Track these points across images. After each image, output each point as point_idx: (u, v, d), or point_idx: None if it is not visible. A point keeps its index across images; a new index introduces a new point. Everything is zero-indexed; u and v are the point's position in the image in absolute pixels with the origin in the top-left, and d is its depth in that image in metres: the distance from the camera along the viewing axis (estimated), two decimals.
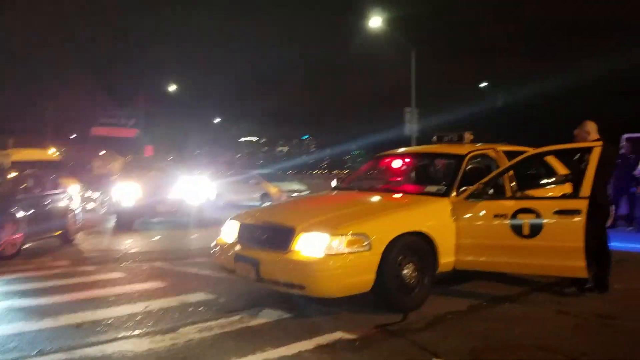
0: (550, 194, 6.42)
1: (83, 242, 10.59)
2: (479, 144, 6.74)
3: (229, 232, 5.61)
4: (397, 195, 6.16)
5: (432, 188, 6.00)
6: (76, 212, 10.92)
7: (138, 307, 5.26)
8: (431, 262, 5.21)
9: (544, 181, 7.00)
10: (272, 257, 4.87)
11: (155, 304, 5.36)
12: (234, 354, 3.94)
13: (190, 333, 4.41)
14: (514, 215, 5.25)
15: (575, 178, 6.00)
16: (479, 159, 6.45)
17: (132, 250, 9.41)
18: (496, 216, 5.36)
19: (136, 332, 4.47)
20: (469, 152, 6.12)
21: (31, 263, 8.00)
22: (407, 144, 22.13)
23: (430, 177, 6.70)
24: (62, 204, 10.35)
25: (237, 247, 5.34)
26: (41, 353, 4.00)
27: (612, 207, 8.37)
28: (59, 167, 16.38)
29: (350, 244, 4.65)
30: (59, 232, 10.05)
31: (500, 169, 5.88)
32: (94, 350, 4.04)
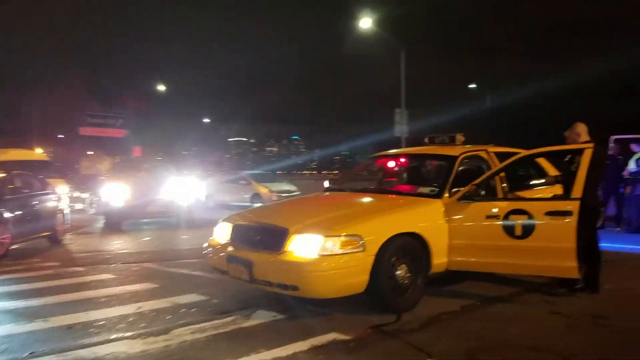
0: (539, 196, 6.47)
1: (72, 243, 10.52)
2: (468, 145, 6.76)
3: (222, 233, 5.58)
4: (390, 197, 6.17)
5: (425, 189, 6.02)
6: (65, 212, 10.84)
7: (130, 309, 5.22)
8: (424, 263, 5.22)
9: (534, 182, 7.06)
10: (265, 258, 4.85)
11: (147, 305, 5.33)
12: (227, 356, 3.92)
13: (184, 334, 4.39)
14: (506, 216, 5.27)
15: (565, 179, 6.05)
16: (470, 160, 6.47)
17: (122, 251, 9.35)
18: (488, 217, 5.38)
19: (129, 333, 4.44)
20: (461, 154, 6.14)
21: (20, 264, 7.92)
22: (397, 145, 22.20)
23: (423, 178, 6.72)
24: (50, 204, 10.26)
25: (230, 248, 5.31)
26: (33, 355, 3.96)
27: (602, 208, 8.47)
28: (47, 167, 16.22)
29: (344, 245, 4.64)
30: (48, 232, 9.96)
31: (493, 171, 5.91)
32: (86, 352, 4.00)
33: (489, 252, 5.38)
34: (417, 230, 5.17)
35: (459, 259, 5.45)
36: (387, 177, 7.35)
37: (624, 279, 6.38)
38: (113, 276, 6.94)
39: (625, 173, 10.80)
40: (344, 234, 4.69)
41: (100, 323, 4.73)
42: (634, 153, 10.89)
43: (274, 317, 4.89)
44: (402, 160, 7.27)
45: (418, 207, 5.58)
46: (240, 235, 5.34)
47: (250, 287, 5.39)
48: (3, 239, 8.31)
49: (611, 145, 12.04)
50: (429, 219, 5.43)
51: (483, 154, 6.44)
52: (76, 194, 17.80)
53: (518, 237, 5.20)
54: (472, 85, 36.36)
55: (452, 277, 5.94)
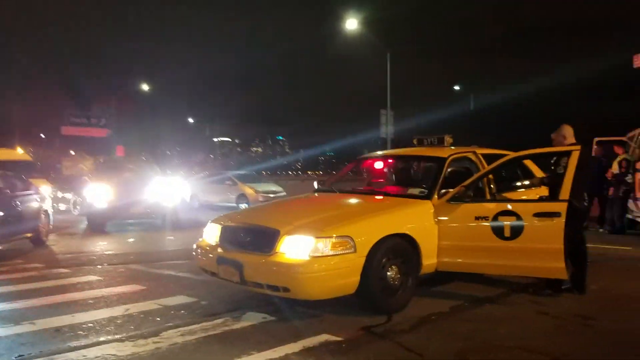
0: (525, 197, 6.53)
1: (56, 244, 10.38)
2: (455, 147, 6.80)
3: (211, 234, 5.55)
4: (380, 198, 6.18)
5: (415, 190, 6.04)
6: (48, 213, 10.69)
7: (118, 311, 5.16)
8: (414, 264, 5.24)
9: (520, 184, 7.14)
10: (256, 260, 4.83)
11: (136, 308, 5.27)
12: (219, 358, 3.91)
13: (174, 337, 4.34)
14: (495, 218, 5.31)
15: (551, 181, 6.11)
16: (459, 162, 6.51)
17: (107, 253, 9.24)
18: (478, 218, 5.42)
19: (117, 336, 4.39)
20: (450, 155, 6.18)
21: (3, 265, 7.79)
22: (382, 145, 22.29)
23: (411, 180, 6.75)
24: (33, 204, 10.09)
25: (220, 250, 5.28)
26: (21, 358, 3.90)
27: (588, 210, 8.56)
28: (30, 167, 15.98)
29: (335, 246, 4.64)
30: (31, 234, 9.81)
31: (482, 172, 5.95)
32: (75, 354, 3.95)
33: (478, 253, 5.41)
34: (407, 232, 5.19)
35: (449, 259, 5.48)
36: (376, 178, 7.37)
37: (609, 279, 6.47)
38: (99, 278, 6.86)
39: (608, 175, 10.97)
40: (335, 235, 4.69)
41: (88, 325, 4.67)
42: (617, 155, 11.07)
43: (264, 318, 4.86)
44: (391, 161, 7.28)
45: (408, 208, 5.59)
46: (229, 236, 5.31)
47: (239, 288, 5.37)
48: None
49: (594, 147, 12.20)
50: (419, 220, 5.45)
51: (471, 156, 6.48)
52: (59, 194, 17.59)
53: (507, 238, 5.24)
54: (457, 87, 36.62)
55: (440, 278, 5.97)
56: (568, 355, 3.89)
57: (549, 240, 5.12)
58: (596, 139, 12.79)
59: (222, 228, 5.42)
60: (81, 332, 4.48)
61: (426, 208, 5.55)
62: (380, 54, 23.09)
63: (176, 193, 14.41)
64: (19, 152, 25.11)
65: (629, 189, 10.56)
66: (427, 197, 5.69)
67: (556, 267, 5.12)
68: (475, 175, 5.88)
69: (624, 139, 12.06)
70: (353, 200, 6.15)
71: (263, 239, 4.92)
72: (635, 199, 10.51)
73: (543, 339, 4.28)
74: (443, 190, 5.75)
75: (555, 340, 4.26)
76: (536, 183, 6.80)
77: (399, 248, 5.11)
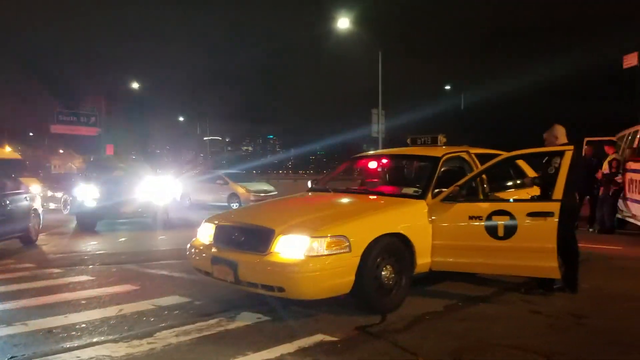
0: (516, 197, 6.56)
1: (46, 243, 10.30)
2: (447, 146, 6.82)
3: (205, 233, 5.53)
4: (375, 197, 6.19)
5: (409, 190, 6.05)
6: (39, 212, 10.60)
7: (111, 311, 5.13)
8: (409, 264, 5.25)
9: (511, 183, 7.17)
10: (250, 259, 4.81)
11: (129, 308, 5.24)
12: (214, 358, 3.89)
13: (168, 337, 4.32)
14: (489, 217, 5.33)
15: (543, 181, 6.15)
16: (452, 161, 6.53)
17: (99, 252, 9.18)
18: (471, 218, 5.44)
19: (111, 336, 4.36)
20: (444, 155, 6.20)
21: None
22: (374, 144, 22.31)
23: (405, 179, 6.76)
24: (24, 204, 10.00)
25: (214, 250, 5.26)
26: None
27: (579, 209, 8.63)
28: (20, 166, 15.82)
29: (330, 246, 4.64)
30: (21, 233, 9.72)
31: (476, 172, 5.98)
32: (69, 355, 3.92)
33: (472, 252, 5.43)
34: (401, 231, 5.20)
35: (442, 259, 5.50)
36: (370, 177, 7.39)
37: (600, 278, 6.52)
38: (91, 278, 6.81)
39: (598, 175, 11.05)
40: (330, 234, 4.69)
41: (82, 326, 4.64)
42: (607, 155, 11.16)
43: (258, 318, 4.85)
44: (385, 161, 7.29)
45: (402, 207, 5.60)
46: (224, 236, 5.29)
47: (233, 288, 5.35)
48: None
49: (584, 147, 12.29)
50: (413, 219, 5.46)
51: (465, 155, 6.51)
52: (49, 193, 17.46)
53: (500, 238, 5.27)
54: (447, 87, 36.76)
55: (433, 277, 5.99)
56: (563, 354, 3.91)
57: (542, 239, 5.15)
58: (586, 139, 12.89)
59: (216, 227, 5.40)
60: (74, 333, 4.45)
61: (420, 207, 5.56)
62: (372, 53, 23.12)
63: (167, 192, 14.35)
64: (8, 150, 24.89)
65: (619, 188, 10.65)
66: (421, 196, 5.70)
67: (549, 266, 5.15)
68: (469, 175, 5.90)
69: (613, 139, 12.17)
70: (347, 200, 6.15)
71: (258, 239, 4.91)
72: (625, 199, 10.60)
73: (537, 337, 4.31)
74: (436, 190, 5.77)
75: (549, 339, 4.28)
76: (528, 183, 6.84)
77: (393, 247, 5.11)
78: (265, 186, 20.70)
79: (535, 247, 5.18)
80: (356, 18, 21.73)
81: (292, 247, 4.66)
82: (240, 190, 19.30)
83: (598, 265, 7.35)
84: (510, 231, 5.24)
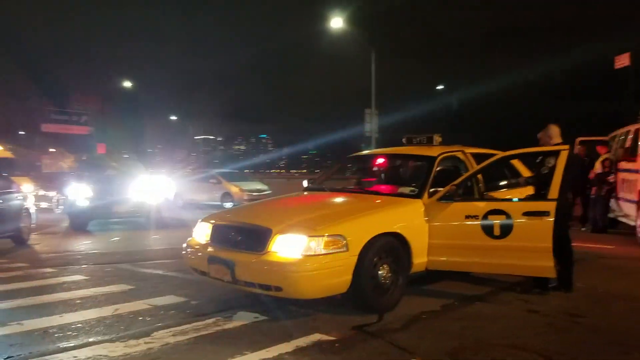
0: (509, 196, 6.58)
1: (39, 243, 10.23)
2: (442, 146, 6.83)
3: (201, 233, 5.50)
4: (371, 197, 6.19)
5: (406, 189, 6.06)
6: (31, 211, 10.52)
7: (107, 311, 5.09)
8: (405, 263, 5.26)
9: (506, 183, 7.19)
10: (248, 259, 4.80)
11: (125, 307, 5.21)
12: (212, 358, 3.87)
13: (165, 337, 4.30)
14: (485, 217, 5.35)
15: (537, 181, 6.18)
16: (448, 161, 6.54)
17: (93, 252, 9.14)
18: (468, 217, 5.45)
19: (108, 336, 4.33)
20: (440, 154, 6.22)
21: None
22: (366, 144, 22.33)
23: (401, 178, 6.77)
24: (15, 203, 9.93)
25: (210, 249, 5.24)
26: None
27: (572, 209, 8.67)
28: (12, 164, 15.72)
29: (327, 245, 4.63)
30: (13, 232, 9.65)
31: (472, 171, 5.99)
32: (66, 355, 3.89)
33: (468, 251, 5.45)
34: (398, 230, 5.20)
35: (439, 258, 5.51)
36: (366, 177, 7.39)
37: (594, 277, 6.56)
38: (86, 277, 6.77)
39: (591, 175, 11.12)
40: (328, 234, 4.68)
41: (78, 326, 4.61)
42: (599, 155, 11.23)
43: (255, 318, 4.84)
44: (381, 160, 7.30)
45: (399, 207, 5.61)
46: (220, 235, 5.27)
47: (228, 288, 5.34)
48: None
49: (577, 147, 12.36)
50: (409, 219, 5.47)
51: (460, 155, 6.53)
52: (41, 192, 17.33)
53: (497, 237, 5.29)
54: (440, 87, 36.87)
55: (429, 276, 5.99)
56: (563, 353, 3.92)
57: (538, 239, 5.18)
58: (579, 139, 12.96)
59: (212, 227, 5.38)
60: (70, 333, 4.42)
61: (417, 207, 5.57)
62: (365, 53, 23.13)
63: (160, 191, 14.28)
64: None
65: (612, 188, 10.73)
66: (418, 196, 5.71)
67: (545, 265, 5.18)
68: (465, 175, 5.92)
69: (605, 139, 12.24)
70: (344, 199, 6.14)
71: (255, 238, 4.89)
72: (617, 198, 10.68)
73: (536, 337, 4.32)
74: (432, 189, 5.79)
75: (546, 338, 4.30)
76: (522, 182, 6.87)
77: (390, 247, 5.12)
78: (259, 185, 20.67)
79: (531, 247, 5.20)
80: (350, 18, 21.75)
81: (289, 247, 4.66)
82: (233, 189, 19.27)
83: (591, 265, 7.40)
84: (506, 230, 5.26)
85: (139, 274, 7.04)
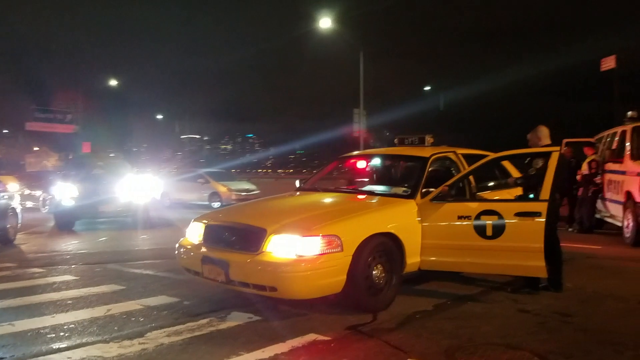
0: (497, 197, 6.64)
1: (26, 243, 10.12)
2: (431, 147, 6.87)
3: (194, 233, 5.48)
4: (364, 197, 6.20)
5: (398, 190, 6.09)
6: (17, 211, 10.39)
7: (99, 311, 5.06)
8: (399, 263, 5.28)
9: (495, 184, 7.25)
10: (242, 259, 4.79)
11: (117, 308, 5.18)
12: (208, 359, 3.86)
13: (159, 337, 4.28)
14: (477, 217, 5.39)
15: (524, 182, 6.24)
16: (439, 162, 6.58)
17: (81, 252, 9.05)
18: (461, 217, 5.49)
19: (101, 337, 4.29)
20: (432, 155, 6.25)
21: None
22: (355, 144, 22.38)
23: (393, 179, 6.80)
24: (1, 202, 9.81)
25: (203, 249, 5.22)
26: None
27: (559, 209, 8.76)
28: None
29: (322, 245, 4.64)
30: None
31: (464, 172, 6.04)
32: (60, 356, 3.86)
33: (461, 251, 5.49)
34: (392, 231, 5.22)
35: (432, 258, 5.54)
36: (358, 177, 7.41)
37: (583, 277, 6.63)
38: (75, 277, 6.70)
39: (578, 177, 11.25)
40: (322, 234, 4.69)
41: (70, 327, 4.57)
42: (586, 156, 11.36)
43: (249, 318, 4.83)
44: (374, 160, 7.32)
45: (393, 207, 5.64)
46: (214, 235, 5.26)
47: (220, 288, 5.34)
48: None
49: (563, 148, 12.49)
50: (403, 219, 5.49)
51: (452, 156, 6.57)
52: (27, 191, 17.12)
53: (489, 237, 5.33)
54: (427, 88, 37.07)
55: (420, 276, 6.02)
56: (554, 352, 3.96)
57: (529, 239, 5.22)
58: (565, 140, 13.09)
59: (206, 227, 5.36)
60: (63, 334, 4.38)
61: (410, 207, 5.60)
62: (353, 54, 23.18)
63: (147, 191, 14.17)
64: None
65: (598, 189, 10.86)
66: (411, 196, 5.74)
67: (536, 265, 5.23)
68: (458, 175, 5.96)
69: (592, 140, 12.39)
70: (338, 200, 6.15)
71: (249, 238, 4.89)
72: (603, 199, 10.82)
73: (527, 336, 4.36)
74: (424, 190, 5.82)
75: (538, 337, 4.34)
76: (511, 183, 6.92)
77: (384, 247, 5.14)
78: (247, 185, 20.62)
79: (523, 247, 5.25)
80: (339, 18, 21.78)
81: (284, 247, 4.65)
82: (221, 189, 19.20)
83: (580, 265, 7.48)
84: (498, 231, 5.30)
85: (129, 274, 6.99)
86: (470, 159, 6.58)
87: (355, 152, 7.62)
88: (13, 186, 12.88)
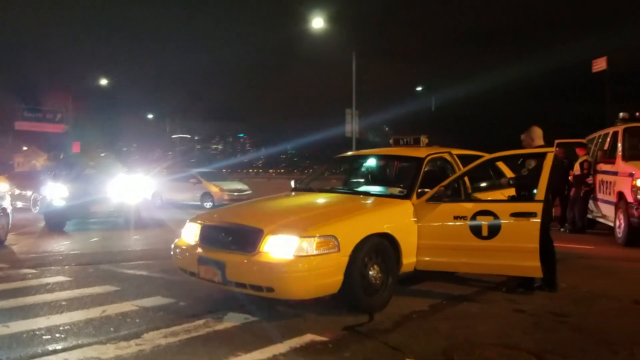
0: (490, 197, 6.67)
1: (16, 243, 10.02)
2: (426, 147, 6.89)
3: (189, 234, 5.46)
4: (360, 197, 6.20)
5: (394, 190, 6.10)
6: (7, 211, 10.29)
7: (94, 312, 5.01)
8: (395, 263, 5.28)
9: (489, 184, 7.28)
10: (239, 260, 4.77)
11: (112, 309, 5.14)
12: (205, 359, 3.84)
13: (156, 338, 4.25)
14: (473, 217, 5.40)
15: (517, 182, 6.28)
16: (434, 162, 6.60)
17: (73, 252, 8.97)
18: (456, 218, 5.50)
19: (98, 338, 4.26)
20: (428, 155, 6.26)
21: None
22: (347, 144, 22.39)
23: (388, 179, 6.81)
24: None
25: (199, 250, 5.20)
26: None
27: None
28: None
29: (319, 245, 4.63)
30: None
31: (460, 172, 6.06)
32: (56, 358, 3.82)
33: (457, 252, 5.50)
34: (388, 231, 5.23)
35: (428, 258, 5.55)
36: (353, 177, 7.40)
37: (576, 277, 6.67)
38: (69, 278, 6.65)
39: (570, 178, 11.33)
40: (319, 234, 4.68)
41: (65, 328, 4.52)
42: (578, 157, 11.45)
43: (246, 319, 4.81)
44: (369, 160, 7.32)
45: (389, 207, 5.64)
46: (210, 235, 5.23)
47: (216, 289, 5.33)
48: None
49: (555, 148, 12.55)
50: (399, 219, 5.50)
51: (447, 156, 6.59)
52: (17, 191, 16.97)
53: (485, 238, 5.35)
54: (419, 88, 37.19)
55: (414, 277, 6.02)
56: (551, 352, 3.98)
57: (525, 239, 5.25)
58: (557, 141, 13.17)
59: (202, 227, 5.34)
60: (59, 335, 4.34)
61: (406, 207, 5.61)
62: (346, 54, 23.18)
63: (139, 191, 14.09)
64: None
65: (590, 189, 10.94)
66: (407, 196, 5.75)
67: (532, 265, 5.26)
68: (454, 176, 5.98)
69: (583, 141, 12.47)
70: (334, 200, 6.15)
71: (246, 239, 4.87)
72: (595, 200, 10.90)
73: (523, 336, 4.38)
74: (420, 190, 5.83)
75: (534, 337, 4.37)
76: (504, 184, 6.96)
77: (381, 247, 5.14)
78: (239, 185, 20.57)
79: (518, 247, 5.28)
80: (332, 18, 21.78)
81: (281, 247, 4.64)
82: (213, 189, 19.14)
83: (573, 265, 7.53)
84: (494, 231, 5.32)
85: (122, 275, 6.94)
86: (465, 159, 6.61)
87: (350, 153, 7.61)
88: (3, 186, 12.73)
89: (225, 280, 4.80)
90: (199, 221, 5.48)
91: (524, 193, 6.11)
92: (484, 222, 5.36)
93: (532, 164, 6.16)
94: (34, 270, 7.16)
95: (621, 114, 10.66)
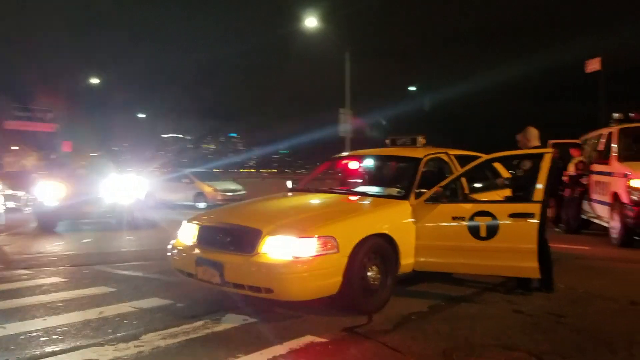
0: (485, 198, 6.68)
1: (9, 244, 9.92)
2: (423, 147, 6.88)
3: (187, 234, 5.42)
4: (358, 198, 6.20)
5: (392, 190, 6.09)
6: (0, 211, 10.21)
7: (91, 314, 4.97)
8: (393, 264, 5.28)
9: (485, 185, 7.30)
10: (237, 260, 4.75)
11: (109, 310, 5.10)
12: None
13: (155, 340, 4.22)
14: (471, 218, 5.41)
15: (513, 183, 6.29)
16: (432, 162, 6.61)
17: (68, 253, 8.91)
18: (455, 218, 5.50)
19: (96, 340, 4.22)
20: (426, 156, 6.27)
21: None
22: (341, 144, 22.38)
23: (386, 180, 6.80)
24: None
25: (197, 250, 5.17)
26: None
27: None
28: None
29: (318, 246, 4.62)
30: None
31: (458, 173, 6.06)
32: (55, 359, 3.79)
33: (455, 252, 5.51)
34: (386, 232, 5.22)
35: (426, 259, 5.55)
36: (351, 178, 7.40)
37: (573, 278, 6.70)
38: (65, 279, 6.60)
39: (565, 178, 11.38)
40: (318, 235, 4.67)
41: (63, 329, 4.48)
42: (572, 157, 11.51)
43: (244, 320, 4.79)
44: (366, 161, 7.32)
45: (387, 208, 5.64)
46: (208, 236, 5.20)
47: (213, 290, 5.29)
48: None
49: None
50: (397, 220, 5.50)
51: (444, 157, 6.59)
52: (8, 191, 16.81)
53: (483, 238, 5.35)
54: (412, 88, 37.24)
55: (412, 278, 6.02)
56: (550, 353, 3.99)
57: (523, 240, 5.26)
58: (551, 141, 13.23)
59: (199, 228, 5.31)
60: (57, 337, 4.30)
61: (404, 208, 5.61)
62: (340, 53, 23.15)
63: (132, 191, 13.99)
64: None
65: (585, 190, 10.99)
66: (405, 197, 5.74)
67: (530, 266, 5.27)
68: (452, 176, 5.98)
69: (578, 141, 12.53)
70: (332, 201, 6.14)
71: (244, 239, 4.84)
72: (590, 200, 10.95)
73: (522, 336, 4.39)
74: (417, 190, 5.83)
75: (534, 338, 4.37)
76: (500, 184, 6.98)
77: (379, 248, 5.13)
78: (233, 185, 20.51)
79: (516, 248, 5.29)
80: (325, 17, 21.76)
81: (280, 248, 4.62)
82: (207, 189, 19.07)
83: (569, 265, 7.56)
84: (492, 232, 5.33)
85: (118, 276, 6.90)
86: (462, 160, 6.62)
87: (347, 153, 7.60)
88: None
89: (224, 282, 4.77)
90: (196, 222, 5.45)
91: (519, 194, 6.12)
92: (482, 222, 5.36)
93: (527, 165, 6.18)
94: (28, 271, 7.10)
95: (615, 115, 10.71)
